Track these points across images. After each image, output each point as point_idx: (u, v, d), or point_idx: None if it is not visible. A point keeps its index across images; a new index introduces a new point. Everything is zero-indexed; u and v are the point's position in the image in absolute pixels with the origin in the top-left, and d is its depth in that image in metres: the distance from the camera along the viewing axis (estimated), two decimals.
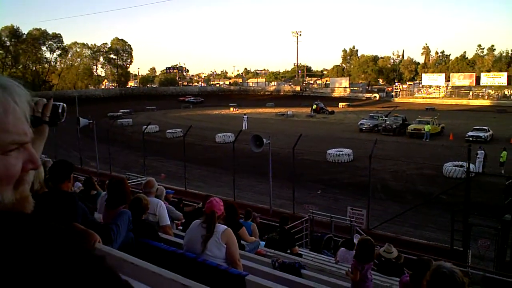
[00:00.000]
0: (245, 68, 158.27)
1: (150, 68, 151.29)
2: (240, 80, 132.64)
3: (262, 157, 18.17)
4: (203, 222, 4.00)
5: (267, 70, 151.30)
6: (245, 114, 46.80)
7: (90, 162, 24.97)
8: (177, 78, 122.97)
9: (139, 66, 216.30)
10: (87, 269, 0.73)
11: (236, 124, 38.65)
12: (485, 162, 23.74)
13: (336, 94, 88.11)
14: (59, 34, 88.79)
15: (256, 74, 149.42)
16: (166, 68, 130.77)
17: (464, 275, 2.92)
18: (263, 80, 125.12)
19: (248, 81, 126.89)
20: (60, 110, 1.48)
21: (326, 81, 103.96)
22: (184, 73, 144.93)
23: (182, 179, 20.02)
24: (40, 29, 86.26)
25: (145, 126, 24.88)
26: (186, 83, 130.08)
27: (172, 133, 38.28)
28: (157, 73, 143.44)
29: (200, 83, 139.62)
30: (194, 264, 3.62)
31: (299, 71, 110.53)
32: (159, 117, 54.89)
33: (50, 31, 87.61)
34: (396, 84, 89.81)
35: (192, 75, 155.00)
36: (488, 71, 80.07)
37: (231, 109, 67.99)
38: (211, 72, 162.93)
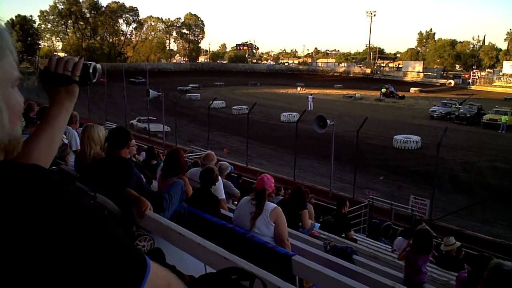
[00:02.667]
0: (315, 48, 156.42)
1: (221, 44, 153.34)
2: (309, 60, 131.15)
3: (325, 138, 17.90)
4: (252, 199, 3.98)
5: (338, 50, 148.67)
6: (310, 95, 46.25)
7: (157, 133, 25.77)
8: (246, 55, 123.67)
9: (210, 42, 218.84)
10: (83, 226, 0.70)
11: (302, 104, 38.30)
12: None
13: (408, 78, 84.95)
14: (136, 7, 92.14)
15: (326, 55, 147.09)
16: (236, 45, 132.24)
17: None
18: (333, 60, 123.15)
19: (318, 61, 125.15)
20: (91, 70, 1.43)
21: (399, 64, 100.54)
22: (254, 51, 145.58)
23: (244, 155, 20.19)
24: (118, 2, 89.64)
25: (212, 101, 25.25)
26: (255, 61, 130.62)
27: (238, 110, 38.58)
28: (228, 50, 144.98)
29: (269, 61, 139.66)
30: (242, 240, 3.62)
31: (371, 53, 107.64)
32: (226, 93, 55.57)
33: (127, 5, 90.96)
34: (474, 71, 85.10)
35: (262, 53, 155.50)
36: None
37: (298, 88, 67.51)
38: (280, 51, 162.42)
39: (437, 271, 6.30)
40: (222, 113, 37.12)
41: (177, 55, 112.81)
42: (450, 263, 7.14)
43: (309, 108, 38.14)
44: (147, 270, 0.75)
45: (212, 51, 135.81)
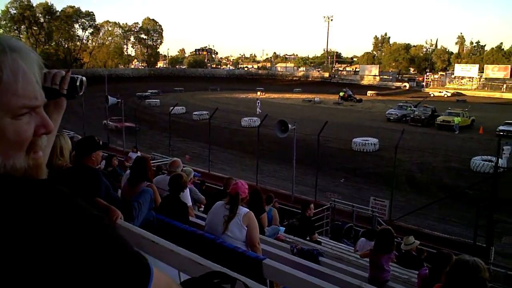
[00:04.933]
0: (274, 52, 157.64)
1: (180, 49, 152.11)
2: (268, 64, 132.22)
3: (287, 143, 18.12)
4: (226, 203, 4.06)
5: (296, 55, 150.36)
6: (257, 98, 49.01)
7: (117, 141, 25.36)
8: (206, 60, 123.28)
9: (168, 47, 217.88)
10: (93, 234, 0.74)
11: (263, 109, 38.65)
12: None
13: (365, 82, 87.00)
14: (92, 12, 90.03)
15: (285, 59, 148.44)
16: (196, 49, 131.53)
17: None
18: (292, 65, 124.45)
19: (277, 65, 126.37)
20: (78, 83, 1.47)
21: (356, 68, 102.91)
22: (213, 56, 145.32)
23: (207, 161, 20.16)
24: (74, 6, 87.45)
25: (172, 107, 25.08)
26: (215, 66, 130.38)
27: (198, 115, 38.45)
28: (187, 55, 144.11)
29: (229, 66, 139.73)
30: (213, 246, 3.67)
31: (329, 57, 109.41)
32: (187, 99, 55.20)
33: (83, 9, 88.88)
34: (428, 74, 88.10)
35: (221, 58, 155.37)
36: None
37: (258, 93, 67.91)
38: (240, 56, 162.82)
39: (398, 269, 6.53)
40: (183, 119, 36.88)
41: (135, 60, 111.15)
42: (410, 261, 7.40)
43: (257, 112, 39.75)
44: (151, 275, 0.81)
45: (171, 56, 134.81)
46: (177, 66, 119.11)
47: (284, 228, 8.33)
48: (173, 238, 3.18)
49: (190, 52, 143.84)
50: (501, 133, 31.37)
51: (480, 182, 15.29)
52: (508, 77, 73.18)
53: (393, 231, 5.31)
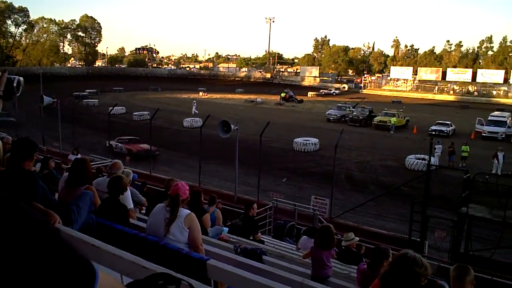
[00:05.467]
0: (216, 53, 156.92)
1: (119, 48, 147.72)
2: (210, 65, 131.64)
3: (229, 143, 18.14)
4: (167, 205, 4.00)
5: (239, 55, 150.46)
6: (194, 99, 50.28)
7: (53, 142, 24.35)
8: (146, 59, 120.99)
9: (107, 45, 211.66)
10: (38, 239, 0.74)
11: (204, 109, 38.46)
12: (452, 157, 24.36)
13: (306, 83, 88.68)
14: (26, 8, 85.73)
15: (227, 59, 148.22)
16: (136, 48, 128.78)
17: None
18: (234, 65, 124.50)
19: (219, 65, 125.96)
20: (15, 84, 1.43)
21: (297, 69, 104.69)
22: (154, 55, 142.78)
23: (148, 162, 19.81)
24: (6, 1, 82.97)
25: (111, 108, 24.44)
26: (156, 65, 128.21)
27: (139, 116, 37.70)
28: (126, 54, 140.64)
29: (170, 65, 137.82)
30: (156, 248, 3.63)
31: (271, 58, 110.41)
32: (126, 99, 54.01)
33: (16, 5, 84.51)
34: (365, 75, 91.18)
35: (162, 57, 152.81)
36: (455, 66, 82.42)
37: (200, 93, 67.60)
38: (181, 55, 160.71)
39: (339, 265, 6.72)
40: (123, 120, 35.90)
41: (72, 59, 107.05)
42: (350, 257, 7.64)
43: (193, 112, 40.94)
44: (96, 279, 0.81)
45: (110, 55, 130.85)
46: (116, 65, 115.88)
47: (228, 229, 8.35)
48: (114, 241, 3.12)
49: (130, 51, 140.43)
50: (433, 133, 33.09)
51: (414, 179, 15.97)
52: (440, 79, 77.21)
53: (333, 228, 5.46)
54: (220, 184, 18.58)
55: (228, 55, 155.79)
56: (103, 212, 4.40)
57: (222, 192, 16.47)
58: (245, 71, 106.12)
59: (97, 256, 2.79)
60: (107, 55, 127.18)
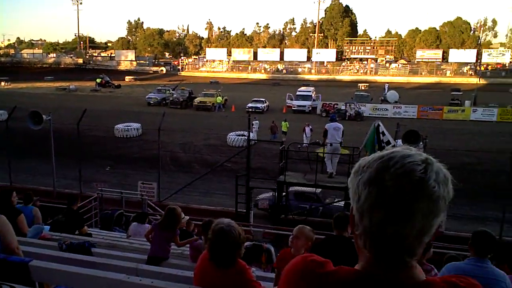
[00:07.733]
0: (18, 38, 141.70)
1: None
2: (12, 51, 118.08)
3: (43, 135, 16.65)
4: None
5: (44, 40, 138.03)
6: None
7: None
8: None
9: None
10: None
11: (12, 101, 34.52)
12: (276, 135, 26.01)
13: (122, 67, 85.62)
14: None
15: (31, 45, 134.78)
16: None
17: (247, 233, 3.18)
18: (40, 51, 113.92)
19: (22, 51, 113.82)
20: None
21: (111, 53, 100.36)
22: None
23: None
24: None
25: None
26: None
27: None
28: None
29: None
30: None
31: (81, 42, 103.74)
32: None
33: None
34: (182, 58, 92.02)
35: None
36: (264, 47, 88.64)
37: (2, 83, 60.49)
38: None
39: (174, 246, 6.77)
40: None
41: None
42: (182, 236, 7.73)
43: None
44: None
45: None
46: None
47: (49, 226, 7.74)
48: None
49: None
50: (250, 110, 35.13)
51: (236, 155, 16.81)
52: (252, 59, 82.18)
53: (180, 210, 5.49)
54: (37, 181, 17.01)
55: (32, 40, 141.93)
56: None
57: (40, 189, 15.11)
58: (54, 57, 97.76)
59: None
60: None
